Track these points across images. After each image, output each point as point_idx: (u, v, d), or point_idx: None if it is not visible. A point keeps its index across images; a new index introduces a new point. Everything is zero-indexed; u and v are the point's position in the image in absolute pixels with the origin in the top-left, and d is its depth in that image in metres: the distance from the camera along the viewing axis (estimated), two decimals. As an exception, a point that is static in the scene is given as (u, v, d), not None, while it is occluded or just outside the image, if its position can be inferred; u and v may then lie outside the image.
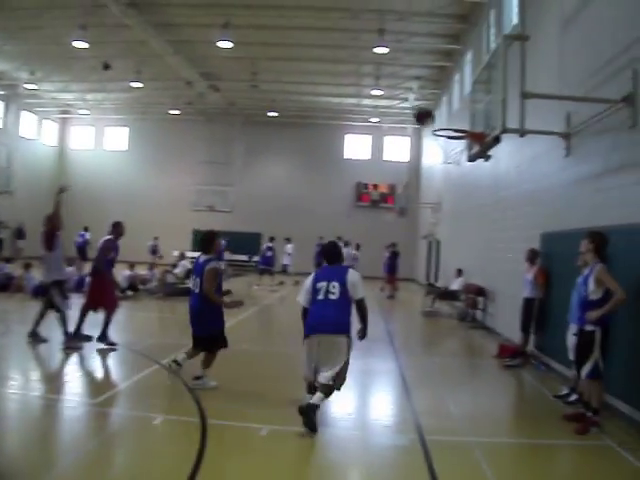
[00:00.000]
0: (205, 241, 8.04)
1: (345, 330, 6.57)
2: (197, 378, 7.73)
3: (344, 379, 6.60)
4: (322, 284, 6.62)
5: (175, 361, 7.77)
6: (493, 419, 7.57)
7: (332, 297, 6.54)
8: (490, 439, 6.63)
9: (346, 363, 6.57)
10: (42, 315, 10.13)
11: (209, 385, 7.75)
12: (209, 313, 7.66)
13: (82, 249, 26.52)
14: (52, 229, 9.94)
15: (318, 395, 6.27)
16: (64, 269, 10.40)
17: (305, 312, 6.75)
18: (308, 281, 6.80)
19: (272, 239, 24.56)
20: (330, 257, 7.07)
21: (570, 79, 9.80)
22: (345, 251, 15.18)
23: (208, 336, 7.74)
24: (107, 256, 10.17)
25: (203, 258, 7.79)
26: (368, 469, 5.74)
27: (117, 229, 10.40)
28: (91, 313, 10.20)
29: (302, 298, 6.78)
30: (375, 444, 6.42)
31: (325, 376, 6.35)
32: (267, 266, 23.42)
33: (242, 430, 5.69)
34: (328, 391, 6.38)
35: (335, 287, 6.55)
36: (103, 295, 10.18)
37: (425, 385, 9.05)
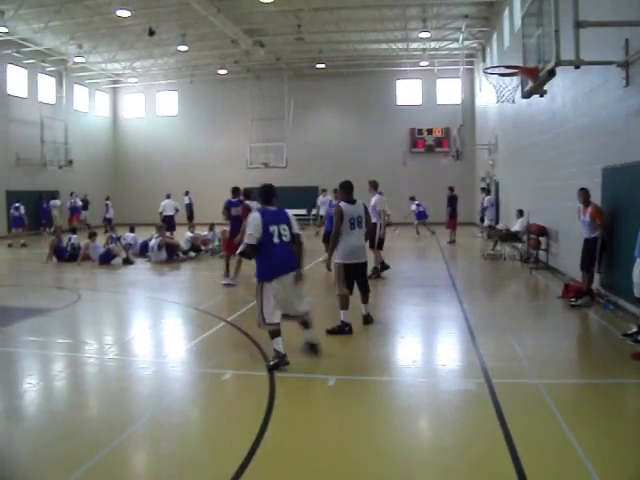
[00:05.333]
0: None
1: (297, 265, 7.05)
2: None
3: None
4: (273, 227, 6.87)
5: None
6: (559, 360, 7.51)
7: (285, 239, 6.93)
8: (557, 380, 6.60)
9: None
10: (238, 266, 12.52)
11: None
12: None
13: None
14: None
15: (308, 331, 7.12)
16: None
17: (253, 249, 6.84)
18: (258, 222, 6.80)
19: (413, 198, 26.04)
20: (269, 198, 7.28)
21: (626, 3, 9.31)
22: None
23: None
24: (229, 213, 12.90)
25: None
26: (437, 414, 5.78)
27: (235, 192, 13.26)
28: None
29: (254, 239, 6.77)
30: (442, 390, 6.44)
31: (301, 308, 7.05)
32: (423, 219, 25.72)
33: (309, 381, 5.81)
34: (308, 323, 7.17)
35: (285, 230, 6.95)
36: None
37: (490, 329, 8.97)
